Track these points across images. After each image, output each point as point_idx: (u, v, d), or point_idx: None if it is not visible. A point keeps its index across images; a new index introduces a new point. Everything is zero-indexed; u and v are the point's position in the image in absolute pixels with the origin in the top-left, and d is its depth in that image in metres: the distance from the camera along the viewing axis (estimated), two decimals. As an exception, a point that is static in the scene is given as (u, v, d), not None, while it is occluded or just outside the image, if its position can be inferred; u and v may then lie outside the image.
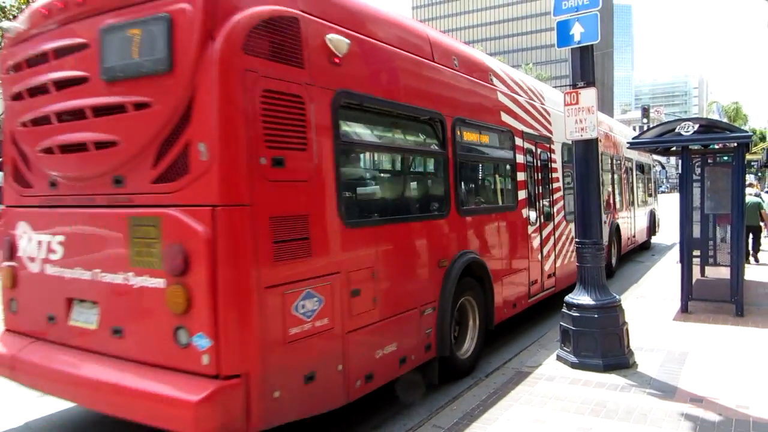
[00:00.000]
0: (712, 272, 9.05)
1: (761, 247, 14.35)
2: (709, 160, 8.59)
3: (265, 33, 3.65)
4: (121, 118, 3.75)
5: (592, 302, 5.65)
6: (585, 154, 5.87)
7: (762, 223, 12.84)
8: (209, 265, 3.40)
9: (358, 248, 4.41)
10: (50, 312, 4.33)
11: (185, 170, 3.52)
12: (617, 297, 5.82)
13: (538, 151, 8.22)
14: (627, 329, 5.81)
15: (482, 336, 6.26)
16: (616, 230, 11.96)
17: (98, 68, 3.84)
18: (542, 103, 8.47)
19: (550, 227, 8.38)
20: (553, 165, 8.72)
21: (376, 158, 5.44)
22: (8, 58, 4.64)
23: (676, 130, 7.67)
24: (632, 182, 14.34)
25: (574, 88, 5.83)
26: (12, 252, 4.67)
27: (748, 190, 11.61)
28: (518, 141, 7.48)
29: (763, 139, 51.00)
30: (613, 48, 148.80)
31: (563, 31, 5.79)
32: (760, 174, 48.61)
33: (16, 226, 4.63)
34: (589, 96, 5.72)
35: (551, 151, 8.60)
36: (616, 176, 12.45)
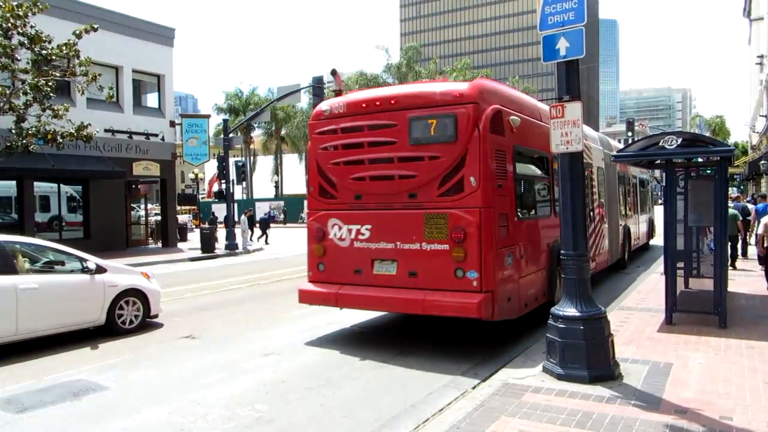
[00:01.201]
0: (695, 284, 9.12)
1: (744, 257, 14.94)
2: (693, 174, 8.67)
3: (493, 120, 6.99)
4: (420, 164, 7.17)
5: (578, 314, 5.68)
6: (571, 167, 5.93)
7: (742, 233, 13.47)
8: (477, 236, 6.78)
9: (521, 232, 7.75)
10: (357, 268, 7.64)
11: (461, 190, 6.93)
12: (603, 309, 5.87)
13: (586, 173, 11.30)
14: (612, 341, 5.84)
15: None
16: (627, 232, 15.20)
17: (405, 137, 7.22)
18: (585, 139, 11.17)
19: (592, 227, 11.39)
20: (593, 183, 11.95)
21: (525, 182, 8.38)
22: (321, 126, 8.06)
23: (660, 144, 7.76)
24: (637, 195, 17.57)
25: (559, 101, 5.89)
26: (324, 236, 7.95)
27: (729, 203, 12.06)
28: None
29: (745, 152, 51.71)
30: (598, 62, 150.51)
31: (549, 46, 5.86)
32: (742, 187, 49.24)
33: (326, 222, 7.94)
34: (574, 109, 5.78)
35: (591, 173, 11.72)
36: (626, 190, 15.59)
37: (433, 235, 6.99)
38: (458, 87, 7.21)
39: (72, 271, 8.51)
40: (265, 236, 29.71)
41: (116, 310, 8.76)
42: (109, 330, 8.68)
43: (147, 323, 9.32)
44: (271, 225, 32.94)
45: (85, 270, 8.53)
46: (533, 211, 8.69)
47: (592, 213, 11.56)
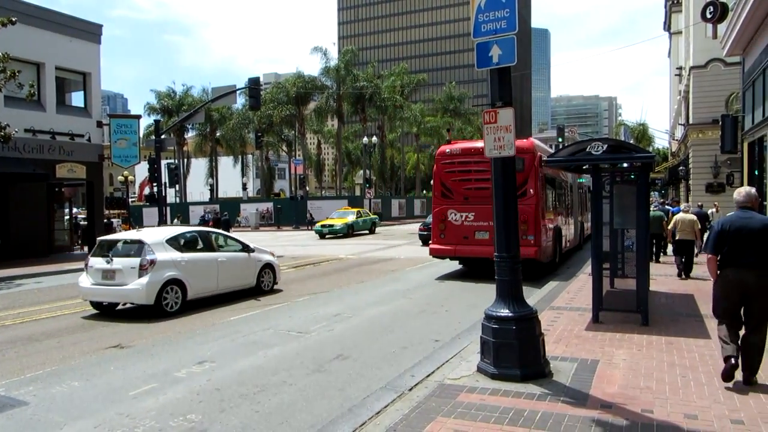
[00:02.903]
0: (620, 284, 9.56)
1: (664, 254, 16.44)
2: (618, 178, 9.06)
3: (539, 161, 13.84)
4: None
5: (510, 314, 5.83)
6: (504, 172, 6.06)
7: (666, 232, 14.97)
8: (533, 218, 13.76)
9: (547, 219, 14.98)
10: (465, 235, 14.44)
11: (525, 195, 13.64)
12: (534, 309, 6.04)
13: (567, 186, 18.45)
14: (543, 340, 6.03)
15: (560, 255, 16.35)
16: (582, 225, 22.33)
17: None
18: None
19: (568, 223, 18.50)
20: (568, 193, 18.97)
21: (548, 191, 15.17)
22: (444, 159, 15.00)
23: (587, 150, 8.04)
24: (587, 198, 23.05)
25: (492, 107, 6.03)
26: (445, 219, 14.67)
27: (652, 206, 13.96)
28: (565, 185, 18.05)
29: (666, 158, 54.66)
30: (530, 69, 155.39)
31: (482, 53, 5.99)
32: (663, 191, 51.98)
33: (446, 211, 14.72)
34: (506, 115, 5.93)
35: (568, 185, 18.76)
36: (581, 195, 22.16)
37: None
38: (526, 143, 14.05)
39: (236, 251, 12.52)
40: None
41: (260, 278, 12.82)
42: (257, 290, 12.69)
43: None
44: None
45: (244, 249, 12.62)
46: (551, 207, 15.33)
47: (570, 213, 18.75)
